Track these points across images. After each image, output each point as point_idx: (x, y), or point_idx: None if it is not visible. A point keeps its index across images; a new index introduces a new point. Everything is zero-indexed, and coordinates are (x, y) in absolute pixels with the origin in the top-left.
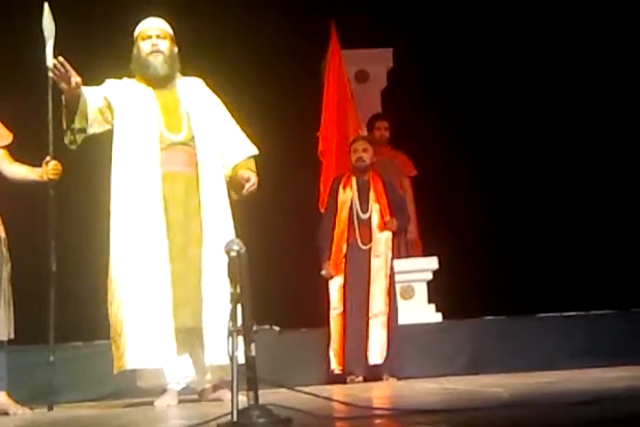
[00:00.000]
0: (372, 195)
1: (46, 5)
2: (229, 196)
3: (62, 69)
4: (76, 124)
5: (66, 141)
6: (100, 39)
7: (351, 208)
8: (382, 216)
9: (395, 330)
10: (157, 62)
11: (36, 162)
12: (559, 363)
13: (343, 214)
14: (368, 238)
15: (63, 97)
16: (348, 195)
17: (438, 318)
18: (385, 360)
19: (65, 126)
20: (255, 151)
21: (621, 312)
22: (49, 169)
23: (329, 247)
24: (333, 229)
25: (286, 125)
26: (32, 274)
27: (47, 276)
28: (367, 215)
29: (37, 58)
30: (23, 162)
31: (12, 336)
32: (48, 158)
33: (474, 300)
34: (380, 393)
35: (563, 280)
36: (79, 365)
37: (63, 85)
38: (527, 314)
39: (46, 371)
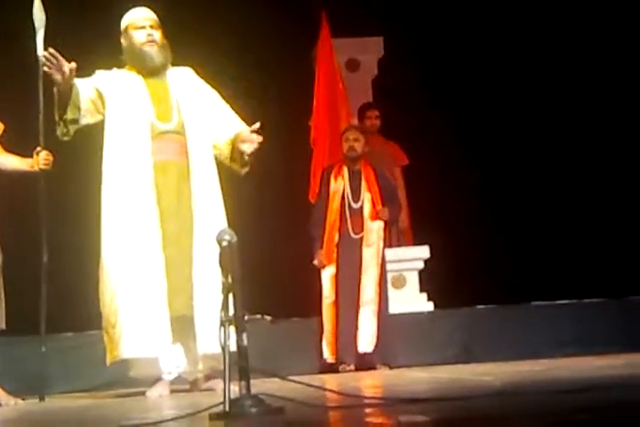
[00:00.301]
0: (363, 184)
1: None
2: (235, 170)
3: (54, 60)
4: (69, 115)
5: (58, 133)
6: (91, 29)
7: (343, 198)
8: (374, 206)
9: (385, 319)
10: (153, 52)
11: (26, 152)
12: (550, 351)
13: (335, 204)
14: (360, 228)
15: (56, 88)
16: (339, 184)
17: (430, 307)
18: (375, 348)
19: (57, 118)
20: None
21: (613, 300)
22: (40, 159)
23: (321, 236)
24: (325, 218)
25: (277, 114)
26: (23, 265)
27: (38, 266)
28: (359, 205)
29: (28, 48)
30: (14, 152)
31: (4, 327)
32: (39, 148)
33: (465, 289)
34: (372, 382)
35: (554, 269)
36: (71, 355)
37: (57, 77)
38: (518, 303)
39: (38, 362)
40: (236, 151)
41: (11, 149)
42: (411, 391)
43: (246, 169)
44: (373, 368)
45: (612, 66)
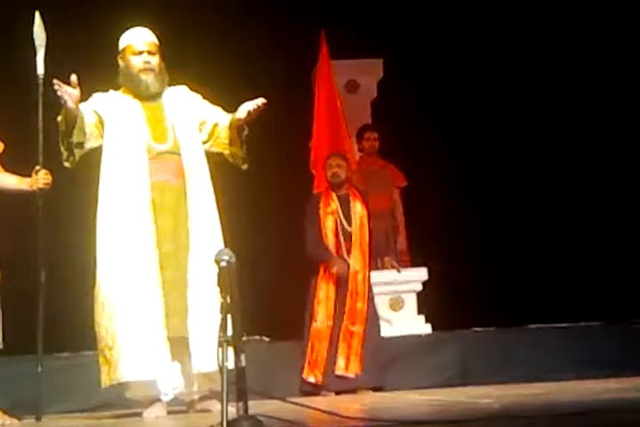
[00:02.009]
0: (352, 208)
1: (37, 14)
2: (235, 160)
3: (63, 88)
4: (75, 139)
5: (64, 159)
6: (92, 48)
7: (336, 221)
8: (362, 230)
9: (374, 342)
10: (150, 80)
11: (25, 171)
12: (548, 374)
13: (330, 226)
14: (350, 251)
15: (63, 114)
16: (332, 207)
17: (428, 329)
18: (360, 373)
19: (63, 144)
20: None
21: (610, 324)
22: (38, 178)
23: (327, 249)
24: (321, 239)
25: (276, 136)
26: (20, 284)
27: (36, 286)
28: (352, 228)
29: (28, 66)
30: (13, 172)
31: (1, 346)
32: (37, 168)
33: (463, 311)
34: (370, 404)
35: (552, 292)
36: (67, 375)
37: (70, 104)
38: (516, 325)
39: (34, 381)
40: (234, 128)
41: (10, 169)
42: (409, 414)
43: (245, 161)
44: (354, 392)
45: (608, 88)
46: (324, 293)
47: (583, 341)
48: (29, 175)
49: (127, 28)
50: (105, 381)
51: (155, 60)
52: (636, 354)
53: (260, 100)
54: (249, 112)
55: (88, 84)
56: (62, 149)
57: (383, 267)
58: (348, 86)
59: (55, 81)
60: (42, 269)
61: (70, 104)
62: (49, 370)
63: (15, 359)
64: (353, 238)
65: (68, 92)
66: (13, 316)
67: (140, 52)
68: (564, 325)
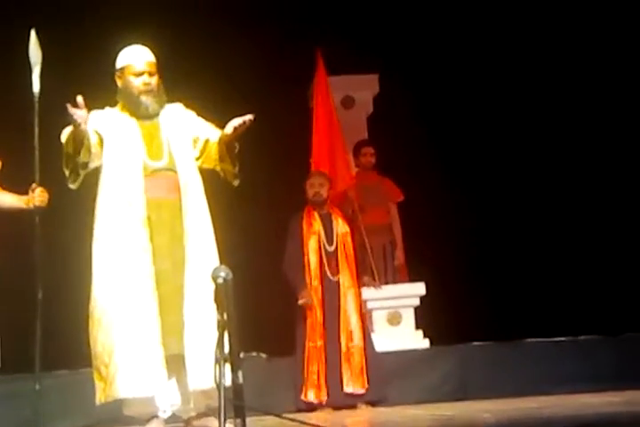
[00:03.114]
0: (334, 227)
1: (33, 32)
2: (227, 175)
3: (75, 111)
4: (82, 159)
5: (70, 181)
6: (88, 66)
7: (319, 240)
8: (345, 247)
9: (372, 359)
10: (149, 102)
11: (22, 189)
12: (547, 388)
13: (313, 245)
14: (336, 270)
15: (69, 137)
16: (315, 227)
17: (426, 343)
18: (367, 390)
19: (68, 166)
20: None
21: (609, 338)
22: (35, 196)
23: (300, 278)
24: (302, 260)
25: (273, 153)
26: (18, 302)
27: (33, 303)
28: (333, 247)
29: (24, 85)
30: (9, 189)
31: None
32: (34, 185)
33: (461, 325)
34: (369, 419)
35: (550, 306)
36: (65, 393)
37: (84, 126)
38: (515, 340)
39: (32, 399)
40: (223, 144)
41: (6, 187)
42: None
43: (237, 177)
44: (354, 407)
45: (607, 96)
46: (312, 312)
47: (582, 355)
48: (26, 193)
49: (123, 46)
50: (100, 397)
51: (154, 81)
52: (634, 368)
53: (248, 117)
54: (235, 128)
55: (93, 102)
56: (67, 170)
57: (363, 285)
58: (343, 102)
59: (68, 105)
60: (39, 286)
61: (84, 126)
62: (47, 388)
63: (13, 378)
64: (339, 257)
65: (79, 115)
66: (11, 334)
67: (141, 73)
68: (563, 339)
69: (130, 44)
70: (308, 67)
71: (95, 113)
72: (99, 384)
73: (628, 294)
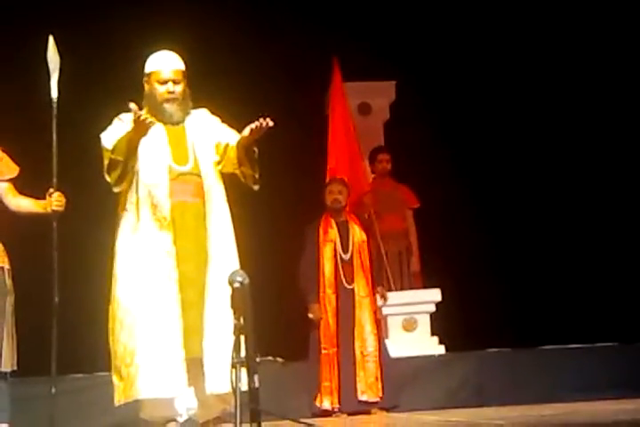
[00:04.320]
0: (351, 235)
1: (51, 38)
2: (247, 181)
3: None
4: (131, 163)
5: (115, 185)
6: (104, 71)
7: (334, 248)
8: (361, 256)
9: (386, 366)
10: (172, 110)
11: (39, 194)
12: (563, 395)
13: (328, 253)
14: (351, 278)
15: (126, 143)
16: (331, 235)
17: (441, 350)
18: (381, 398)
19: (116, 170)
20: None
21: (625, 345)
22: (53, 201)
23: (313, 289)
24: (317, 270)
25: (290, 160)
26: (34, 306)
27: (49, 307)
28: (348, 255)
29: (43, 90)
30: (27, 194)
31: (16, 368)
32: (51, 190)
33: (477, 332)
34: (384, 425)
35: (566, 313)
36: (81, 397)
37: (148, 131)
38: (531, 346)
39: (48, 403)
40: (242, 147)
41: (24, 192)
42: None
43: (257, 182)
44: (368, 413)
45: (607, 102)
46: (325, 320)
47: (598, 362)
48: (44, 198)
49: (142, 51)
50: (120, 398)
51: (179, 89)
52: None
53: (264, 120)
54: (252, 130)
55: (103, 106)
56: (113, 176)
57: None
58: (360, 108)
59: (134, 109)
60: (55, 290)
61: (147, 132)
62: (63, 391)
63: (29, 381)
64: (354, 265)
65: (149, 120)
66: (27, 337)
67: (165, 81)
68: (579, 346)
69: (152, 49)
70: (325, 74)
71: (125, 116)
72: (118, 385)
73: None
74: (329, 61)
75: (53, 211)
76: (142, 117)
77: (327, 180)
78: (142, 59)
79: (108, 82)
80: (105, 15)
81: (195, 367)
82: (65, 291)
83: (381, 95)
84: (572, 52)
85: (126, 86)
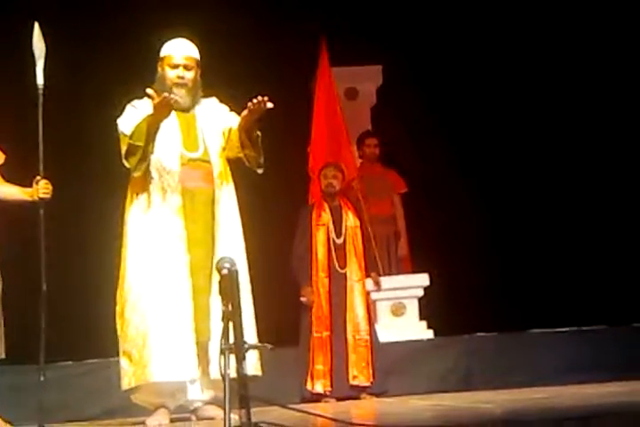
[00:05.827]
0: (344, 219)
1: (36, 25)
2: (250, 163)
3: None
4: (151, 148)
5: (135, 169)
6: (93, 58)
7: (328, 232)
8: (354, 241)
9: (377, 351)
10: (181, 95)
11: (26, 182)
12: (551, 379)
13: (322, 237)
14: (343, 262)
15: (146, 127)
16: (324, 219)
17: (430, 334)
18: (372, 382)
19: (136, 155)
20: None
21: (613, 328)
22: (39, 188)
23: (306, 272)
24: (310, 253)
25: (276, 142)
26: (22, 293)
27: (38, 295)
28: (341, 240)
29: (28, 77)
30: (13, 182)
31: (3, 356)
32: (38, 178)
33: (465, 316)
34: (373, 410)
35: (554, 296)
36: (70, 384)
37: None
38: (519, 330)
39: (37, 391)
40: (242, 129)
41: (10, 179)
42: (413, 420)
43: (261, 165)
44: (357, 398)
45: (607, 98)
46: (318, 304)
47: (586, 345)
48: (30, 185)
49: (131, 37)
50: (129, 382)
51: (190, 75)
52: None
53: (260, 97)
54: (250, 110)
55: (95, 93)
56: (133, 161)
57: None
58: (347, 93)
59: (165, 94)
60: (44, 278)
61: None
62: (52, 379)
63: (18, 369)
64: (347, 250)
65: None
66: (15, 325)
67: (176, 66)
68: (567, 329)
69: (134, 36)
70: (312, 56)
71: (138, 103)
72: (129, 369)
73: (632, 284)
74: (316, 45)
75: (40, 198)
76: (166, 97)
77: (309, 163)
78: (129, 44)
79: (97, 69)
80: (93, 2)
81: (203, 351)
82: (53, 278)
83: (368, 80)
84: (565, 37)
85: (117, 73)
